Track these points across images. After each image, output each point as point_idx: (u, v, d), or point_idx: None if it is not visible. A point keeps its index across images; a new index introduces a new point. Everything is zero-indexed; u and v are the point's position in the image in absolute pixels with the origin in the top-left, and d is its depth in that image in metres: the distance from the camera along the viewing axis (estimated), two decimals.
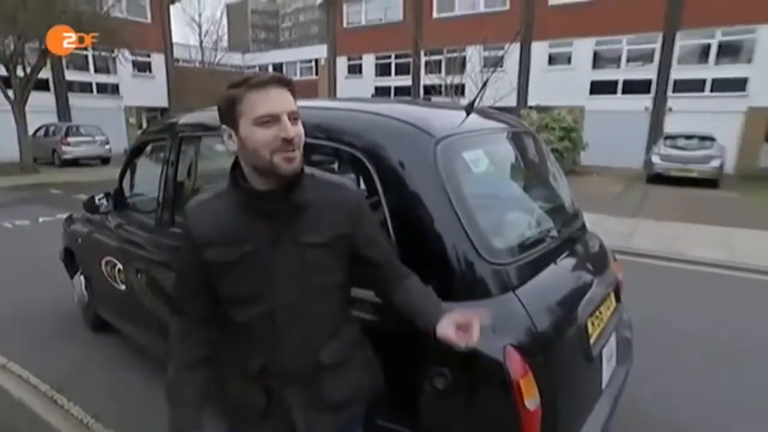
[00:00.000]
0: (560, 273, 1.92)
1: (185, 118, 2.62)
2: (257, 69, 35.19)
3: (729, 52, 17.28)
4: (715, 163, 13.05)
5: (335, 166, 2.44)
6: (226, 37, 36.46)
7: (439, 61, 20.69)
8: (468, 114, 1.95)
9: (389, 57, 24.57)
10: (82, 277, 3.80)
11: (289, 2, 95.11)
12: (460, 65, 19.52)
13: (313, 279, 1.24)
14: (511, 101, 19.69)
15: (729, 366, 3.54)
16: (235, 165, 1.22)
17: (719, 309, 4.78)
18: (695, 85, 17.58)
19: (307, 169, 1.24)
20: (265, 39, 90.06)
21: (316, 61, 32.96)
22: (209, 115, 2.49)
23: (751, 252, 6.64)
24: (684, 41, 17.76)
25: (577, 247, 2.21)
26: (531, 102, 19.67)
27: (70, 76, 22.40)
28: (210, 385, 1.35)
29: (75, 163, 17.25)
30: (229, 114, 1.15)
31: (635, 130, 18.25)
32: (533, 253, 1.81)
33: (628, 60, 18.92)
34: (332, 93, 25.83)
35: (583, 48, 19.36)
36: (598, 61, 19.43)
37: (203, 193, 1.33)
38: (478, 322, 1.18)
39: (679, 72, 17.89)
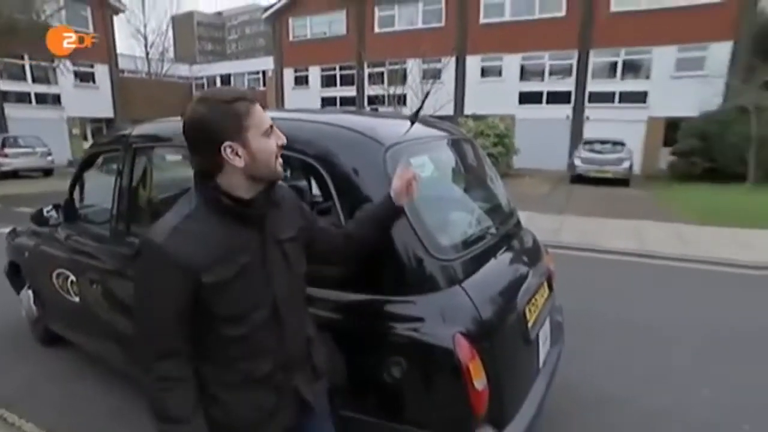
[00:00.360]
0: (500, 266, 2.02)
1: (138, 129, 2.52)
2: (205, 80, 34.10)
3: (632, 69, 18.63)
4: (625, 165, 13.98)
5: (288, 173, 2.43)
6: (172, 49, 34.97)
7: (382, 73, 20.93)
8: (412, 123, 2.01)
9: (334, 69, 24.52)
10: (30, 291, 3.54)
11: (235, 15, 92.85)
12: (402, 77, 19.81)
13: (294, 270, 1.29)
14: (449, 110, 20.19)
15: (645, 342, 3.80)
16: (204, 181, 1.15)
17: (634, 292, 5.13)
18: (607, 97, 18.74)
19: None
20: (212, 51, 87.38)
21: (264, 72, 32.36)
22: (162, 127, 2.44)
23: (657, 241, 7.16)
24: (596, 58, 18.91)
25: (514, 242, 2.32)
26: (467, 111, 20.21)
27: (6, 86, 20.78)
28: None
29: (14, 175, 15.96)
30: (236, 128, 1.09)
31: (559, 136, 19.17)
32: (476, 249, 1.90)
33: (551, 74, 19.86)
34: (280, 104, 25.44)
35: (511, 62, 20.14)
36: (525, 74, 20.24)
37: (165, 220, 1.14)
38: (410, 174, 1.52)
39: (593, 85, 19.00)
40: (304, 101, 24.21)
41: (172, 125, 2.32)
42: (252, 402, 1.25)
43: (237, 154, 1.10)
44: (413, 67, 19.75)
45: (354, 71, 23.22)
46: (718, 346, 3.76)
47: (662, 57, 17.71)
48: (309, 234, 1.37)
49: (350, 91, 23.70)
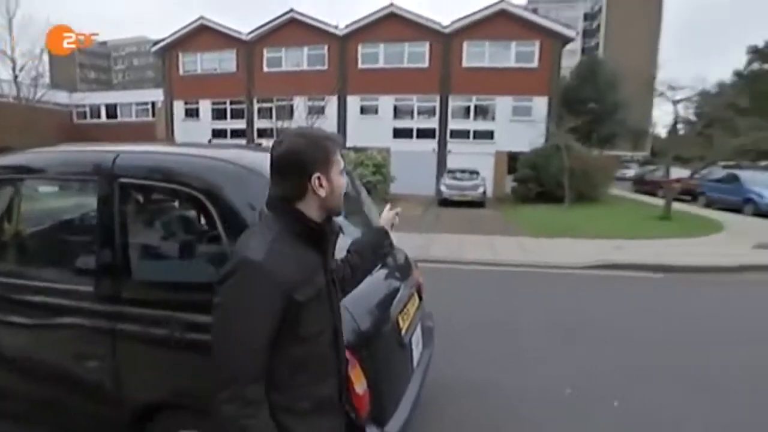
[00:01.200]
0: (376, 282, 2.07)
1: (3, 161, 2.14)
2: (88, 108, 30.28)
3: (481, 112, 20.69)
4: (480, 190, 15.34)
5: (176, 204, 2.24)
6: (48, 74, 30.31)
7: (271, 108, 20.52)
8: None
9: (225, 103, 23.41)
10: None
11: (122, 46, 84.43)
12: (289, 112, 19.61)
13: (339, 297, 1.30)
14: None
15: (501, 336, 4.14)
16: (284, 207, 1.14)
17: (491, 295, 5.59)
18: (464, 134, 20.53)
19: None
20: (96, 79, 78.20)
21: (153, 103, 29.71)
22: (31, 157, 2.10)
23: (506, 251, 7.92)
24: (454, 102, 20.66)
25: (388, 260, 2.39)
26: (349, 144, 20.56)
27: None
28: None
29: None
30: (325, 162, 1.13)
31: (428, 166, 20.40)
32: None
33: (419, 113, 21.19)
34: (170, 134, 23.53)
35: (386, 102, 21.11)
36: (398, 113, 21.33)
37: (255, 241, 1.08)
38: (394, 213, 1.72)
39: (453, 124, 20.69)
40: (194, 132, 22.66)
41: (44, 156, 2.01)
42: (324, 428, 1.20)
43: (321, 185, 1.12)
44: (299, 103, 19.70)
45: (244, 106, 22.43)
46: (558, 332, 4.23)
47: (503, 104, 19.99)
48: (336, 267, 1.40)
49: (240, 124, 22.79)
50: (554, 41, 19.31)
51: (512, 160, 18.71)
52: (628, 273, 6.73)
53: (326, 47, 21.27)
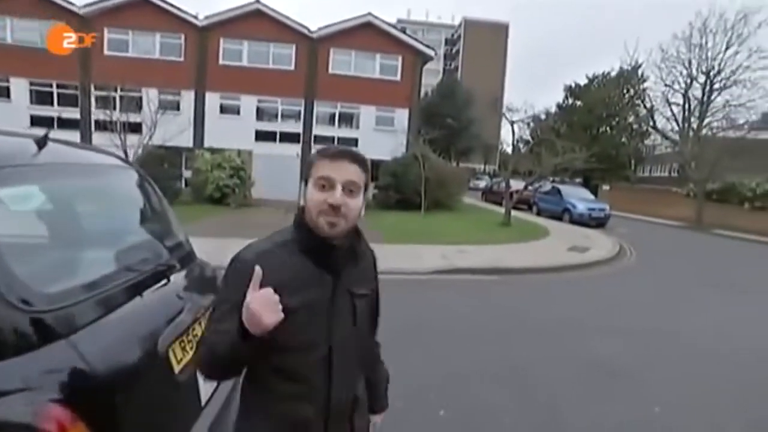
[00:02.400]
0: (142, 306, 1.67)
1: None
2: None
3: (346, 119, 20.95)
4: None
5: None
6: None
7: (113, 98, 17.71)
8: (41, 146, 1.52)
9: (50, 85, 19.61)
10: None
11: None
12: (135, 104, 17.22)
13: (359, 324, 1.20)
14: (188, 142, 18.70)
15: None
16: (299, 215, 1.18)
17: None
18: (328, 140, 20.39)
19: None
20: None
21: None
22: None
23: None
24: (319, 108, 20.56)
25: (175, 275, 2.01)
26: (207, 144, 19.00)
27: None
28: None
29: None
30: (307, 173, 1.14)
31: (291, 170, 19.75)
32: (106, 290, 1.51)
33: (283, 116, 20.56)
34: None
35: (248, 102, 19.99)
36: (261, 114, 20.38)
37: (258, 243, 1.20)
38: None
39: (318, 129, 20.50)
40: (2, 117, 18.46)
41: None
42: None
43: (304, 195, 1.14)
44: (149, 96, 17.45)
45: (77, 92, 19.05)
46: (411, 333, 4.23)
47: (367, 113, 20.54)
48: (375, 297, 1.30)
49: (73, 113, 19.33)
50: (416, 58, 20.56)
51: (375, 168, 19.28)
52: (467, 276, 7.27)
53: (183, 36, 19.32)
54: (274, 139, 20.31)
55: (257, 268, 1.01)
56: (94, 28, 18.54)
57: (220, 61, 19.50)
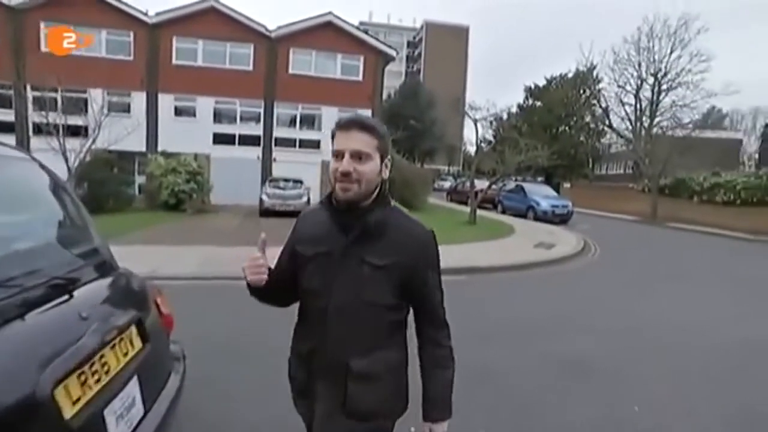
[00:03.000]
0: (20, 332, 1.31)
1: None
2: None
3: (308, 121, 20.48)
4: (304, 199, 14.94)
5: None
6: None
7: (54, 99, 16.46)
8: None
9: None
10: None
11: None
12: (79, 106, 16.09)
13: (364, 293, 1.22)
14: (140, 146, 17.75)
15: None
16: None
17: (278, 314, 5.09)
18: (290, 142, 19.99)
19: (392, 203, 1.30)
20: None
21: None
22: None
23: None
24: (280, 110, 19.99)
25: (81, 290, 1.65)
26: (162, 148, 18.05)
27: None
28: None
29: None
30: (332, 144, 1.23)
31: (252, 174, 19.17)
32: None
33: (242, 119, 19.84)
34: None
35: (205, 104, 19.16)
36: (219, 116, 19.59)
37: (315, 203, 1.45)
38: None
39: (278, 132, 19.95)
40: None
41: None
42: (294, 367, 1.39)
43: (330, 168, 1.24)
44: (97, 96, 16.32)
45: (11, 92, 17.64)
46: None
47: (329, 114, 20.05)
48: (407, 274, 1.24)
49: (7, 115, 17.89)
50: (378, 58, 20.37)
51: None
52: None
53: (132, 34, 18.32)
54: (233, 142, 19.58)
55: (262, 235, 1.37)
56: (33, 23, 17.36)
57: (174, 61, 18.63)
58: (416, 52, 75.52)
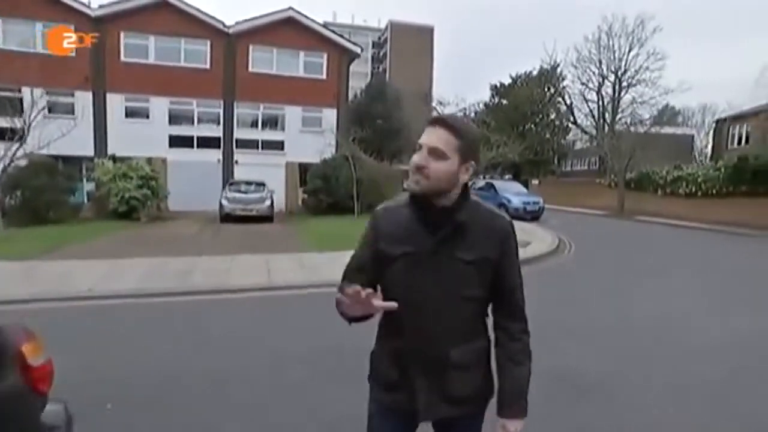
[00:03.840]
0: None
1: None
2: None
3: (270, 121, 19.60)
4: (267, 203, 14.16)
5: None
6: None
7: None
8: None
9: None
10: None
11: None
12: (11, 106, 14.69)
13: (457, 288, 1.25)
14: (89, 150, 16.49)
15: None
16: None
17: (258, 327, 4.44)
18: (252, 144, 19.04)
19: (472, 197, 1.28)
20: None
21: None
22: None
23: (283, 271, 6.94)
24: (240, 110, 19.02)
25: None
26: (111, 151, 16.79)
27: None
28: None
29: None
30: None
31: (212, 178, 18.12)
32: None
33: (200, 120, 18.75)
34: None
35: (159, 105, 17.94)
36: (175, 118, 18.39)
37: (394, 200, 1.37)
38: None
39: (240, 133, 18.95)
40: None
41: None
42: (381, 364, 1.38)
43: None
44: (36, 95, 14.95)
45: None
46: (350, 358, 3.32)
47: (292, 114, 19.36)
48: (494, 265, 1.27)
49: None
50: (342, 55, 19.74)
51: (304, 172, 18.16)
52: None
53: (72, 28, 16.93)
54: (192, 145, 18.48)
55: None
56: None
57: (122, 58, 17.36)
58: (381, 53, 75.19)
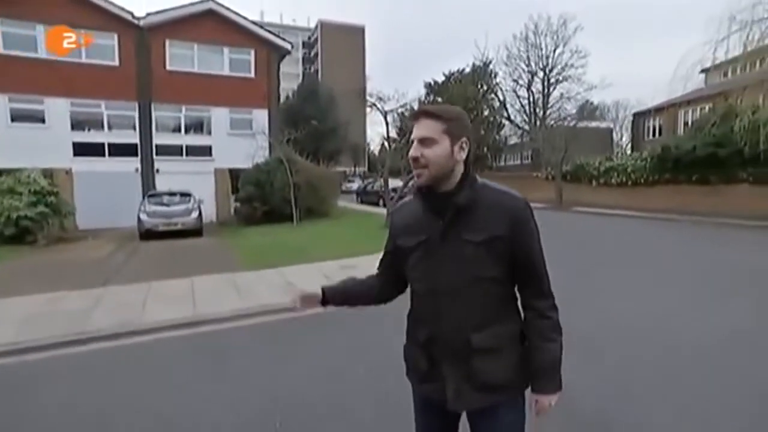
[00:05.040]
0: None
1: None
2: None
3: (195, 125, 17.85)
4: (194, 215, 12.61)
5: None
6: None
7: None
8: None
9: None
10: None
11: None
12: None
13: (470, 270, 1.26)
14: None
15: None
16: None
17: (175, 389, 3.34)
18: (175, 150, 17.19)
19: (479, 180, 1.31)
20: None
21: None
22: None
23: (212, 299, 5.77)
24: (159, 112, 17.10)
25: None
26: None
27: None
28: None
29: None
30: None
31: (130, 189, 16.08)
32: None
33: (112, 124, 16.58)
34: None
35: (57, 107, 15.53)
36: (79, 122, 16.09)
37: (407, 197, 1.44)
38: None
39: (160, 138, 17.02)
40: None
41: None
42: (411, 355, 1.43)
43: None
44: None
45: None
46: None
47: (219, 116, 17.77)
48: (508, 244, 1.26)
49: None
50: (270, 52, 18.43)
51: (236, 178, 16.69)
52: None
53: None
54: (102, 153, 16.32)
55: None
56: None
57: (2, 51, 14.76)
58: (313, 53, 73.50)
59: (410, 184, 16.37)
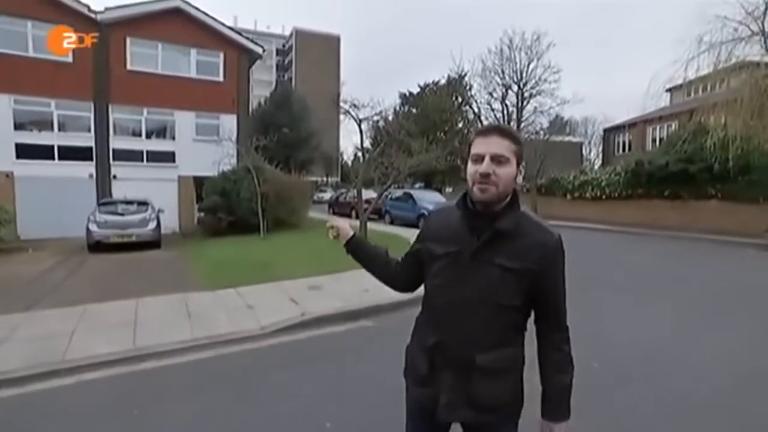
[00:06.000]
0: None
1: None
2: None
3: (157, 129, 16.73)
4: (152, 226, 11.55)
5: None
6: None
7: None
8: None
9: None
10: None
11: None
12: None
13: (493, 294, 1.28)
14: None
15: None
16: (468, 188, 1.33)
17: None
18: (135, 155, 16.02)
19: (523, 209, 1.33)
20: None
21: None
22: None
23: (159, 327, 4.93)
24: (118, 115, 15.93)
25: None
26: None
27: None
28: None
29: None
30: (469, 151, 1.31)
31: (83, 197, 14.78)
32: None
33: (63, 125, 15.29)
34: None
35: None
36: (23, 122, 14.74)
37: (447, 203, 1.47)
38: None
39: (118, 142, 15.84)
40: None
41: None
42: (413, 357, 1.45)
43: (467, 171, 1.32)
44: None
45: None
46: None
47: (184, 120, 16.74)
48: (535, 278, 1.29)
49: None
50: (241, 55, 17.60)
51: (200, 186, 15.68)
52: (327, 330, 4.98)
53: None
54: (52, 156, 15.00)
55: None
56: None
57: None
58: (287, 61, 72.56)
59: (384, 195, 15.82)
